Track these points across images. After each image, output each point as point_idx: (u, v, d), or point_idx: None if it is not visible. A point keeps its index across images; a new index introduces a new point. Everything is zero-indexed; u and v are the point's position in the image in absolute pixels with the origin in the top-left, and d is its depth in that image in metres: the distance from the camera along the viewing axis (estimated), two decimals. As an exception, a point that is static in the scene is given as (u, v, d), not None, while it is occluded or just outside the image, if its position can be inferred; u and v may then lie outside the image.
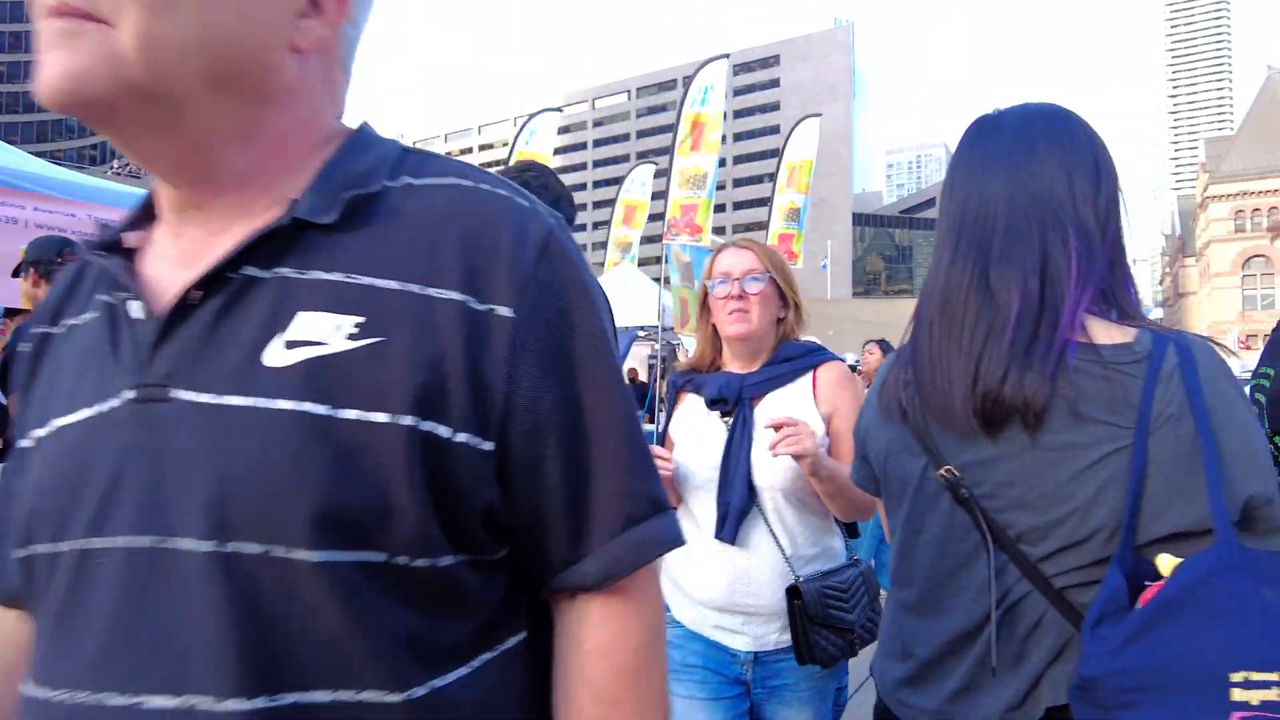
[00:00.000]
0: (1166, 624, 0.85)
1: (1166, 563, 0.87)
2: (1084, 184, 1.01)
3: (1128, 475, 0.90)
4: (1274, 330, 1.82)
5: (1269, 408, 1.70)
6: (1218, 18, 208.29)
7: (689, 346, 11.18)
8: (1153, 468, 0.90)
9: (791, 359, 1.90)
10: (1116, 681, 0.86)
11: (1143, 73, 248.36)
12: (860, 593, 1.78)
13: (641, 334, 11.00)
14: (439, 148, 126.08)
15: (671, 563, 1.84)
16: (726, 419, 1.86)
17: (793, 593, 1.71)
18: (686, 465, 1.87)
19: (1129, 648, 0.86)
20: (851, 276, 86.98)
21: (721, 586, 1.78)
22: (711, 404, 1.88)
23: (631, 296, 11.13)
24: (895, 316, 27.41)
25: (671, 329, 9.77)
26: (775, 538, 1.76)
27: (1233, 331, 72.05)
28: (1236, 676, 0.81)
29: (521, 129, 12.45)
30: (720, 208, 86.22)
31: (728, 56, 11.06)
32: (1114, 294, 1.02)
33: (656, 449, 1.78)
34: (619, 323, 9.50)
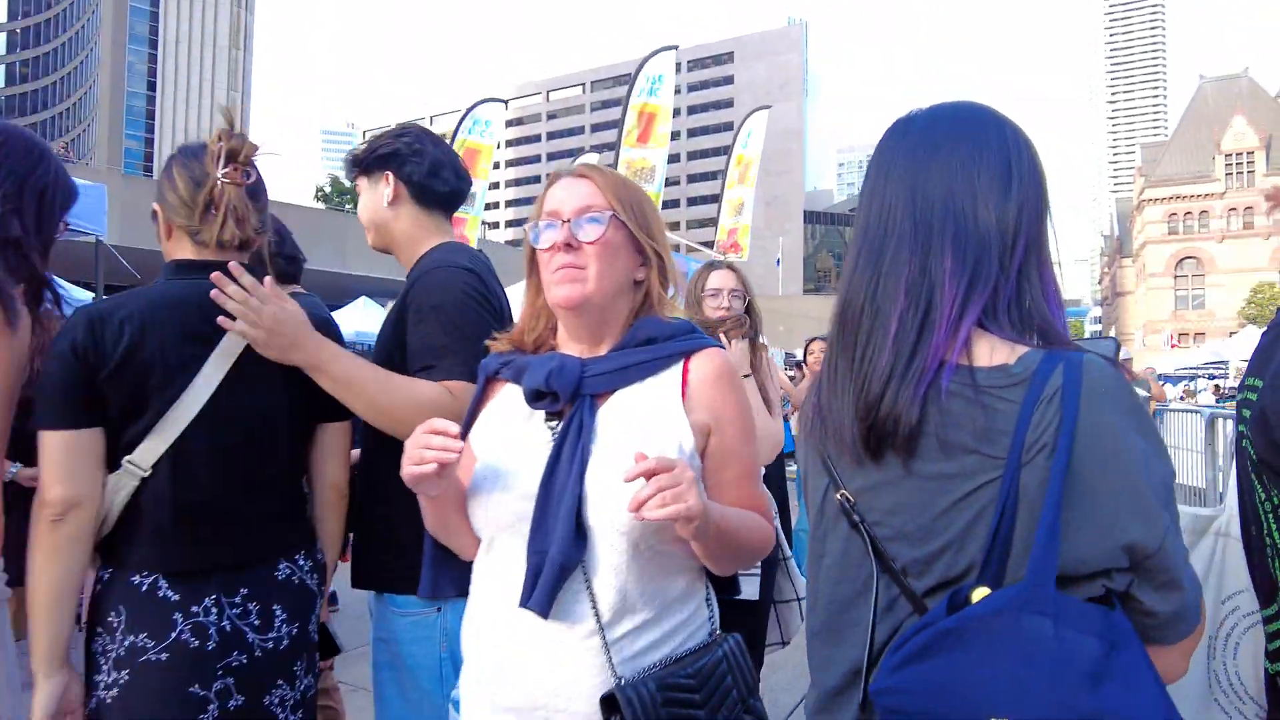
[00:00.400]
0: (941, 653, 0.82)
1: (978, 593, 0.83)
2: (989, 188, 0.94)
3: (995, 509, 0.83)
4: (1263, 334, 1.53)
5: (1251, 428, 1.40)
6: (1153, 28, 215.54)
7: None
8: (1024, 503, 0.83)
9: (654, 341, 1.33)
10: (890, 700, 0.85)
11: (1085, 78, 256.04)
12: (724, 686, 1.20)
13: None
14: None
15: (465, 635, 1.32)
16: (553, 423, 1.29)
17: (608, 704, 1.13)
18: (488, 490, 1.29)
19: (907, 669, 0.84)
20: (803, 273, 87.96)
21: (522, 680, 1.20)
22: (533, 399, 1.30)
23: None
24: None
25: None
26: (596, 608, 1.19)
27: (1166, 330, 74.79)
28: None
29: (463, 119, 12.24)
30: (674, 203, 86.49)
31: (676, 48, 10.96)
32: (1021, 307, 0.94)
33: (439, 422, 1.20)
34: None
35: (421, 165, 1.92)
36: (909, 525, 0.90)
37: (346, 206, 46.53)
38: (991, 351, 0.90)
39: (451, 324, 1.70)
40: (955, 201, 0.94)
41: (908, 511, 0.90)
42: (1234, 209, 76.69)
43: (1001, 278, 0.93)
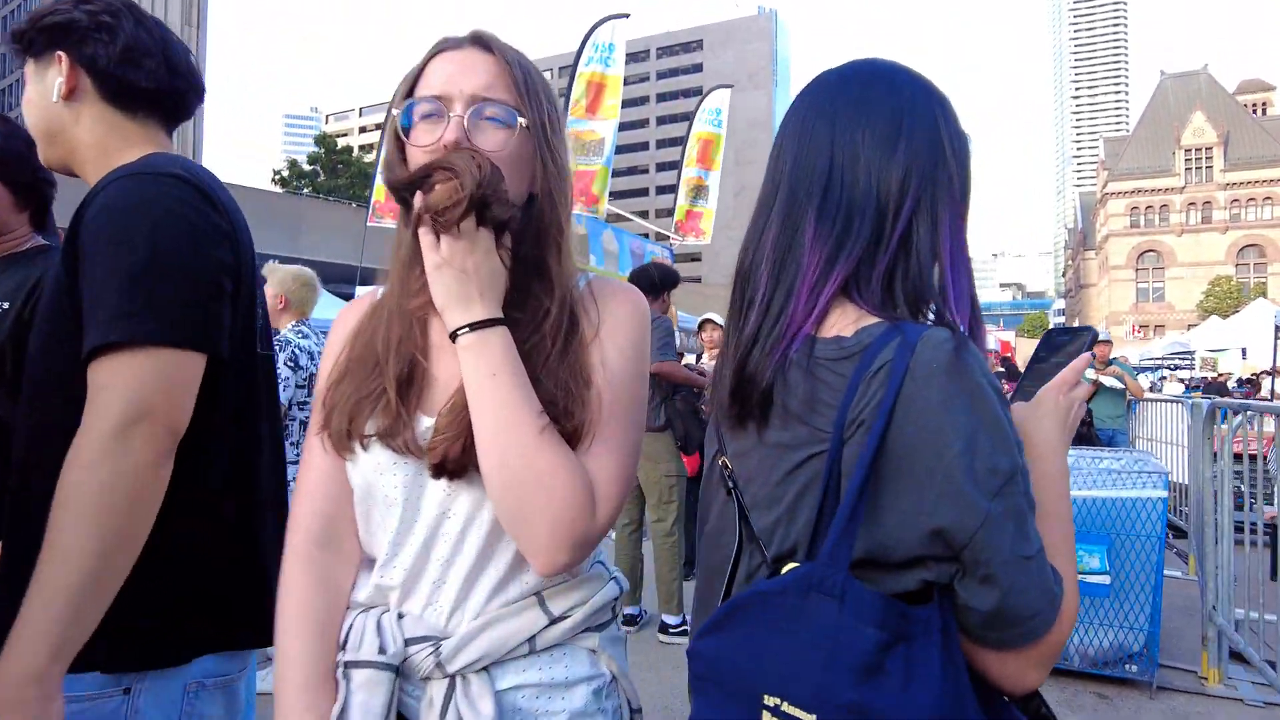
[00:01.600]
0: (729, 625, 0.83)
1: (787, 569, 0.83)
2: (871, 148, 0.89)
3: (820, 485, 0.82)
4: None
5: None
6: (1115, 24, 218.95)
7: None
8: (845, 481, 0.80)
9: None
10: (694, 665, 0.88)
11: (1051, 67, 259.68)
12: None
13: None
14: (353, 121, 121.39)
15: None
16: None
17: None
18: None
19: (708, 637, 0.85)
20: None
21: None
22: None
23: (522, 272, 10.23)
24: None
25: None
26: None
27: (1128, 321, 75.94)
28: (770, 700, 0.77)
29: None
30: (643, 191, 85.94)
31: (627, 16, 10.23)
32: (903, 277, 0.89)
33: None
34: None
35: (111, 46, 1.27)
36: (760, 493, 0.90)
37: (304, 190, 45.26)
38: (840, 323, 0.87)
39: (143, 266, 1.10)
40: (834, 165, 0.90)
41: (758, 479, 0.90)
42: (1193, 203, 78.06)
43: (877, 246, 0.89)
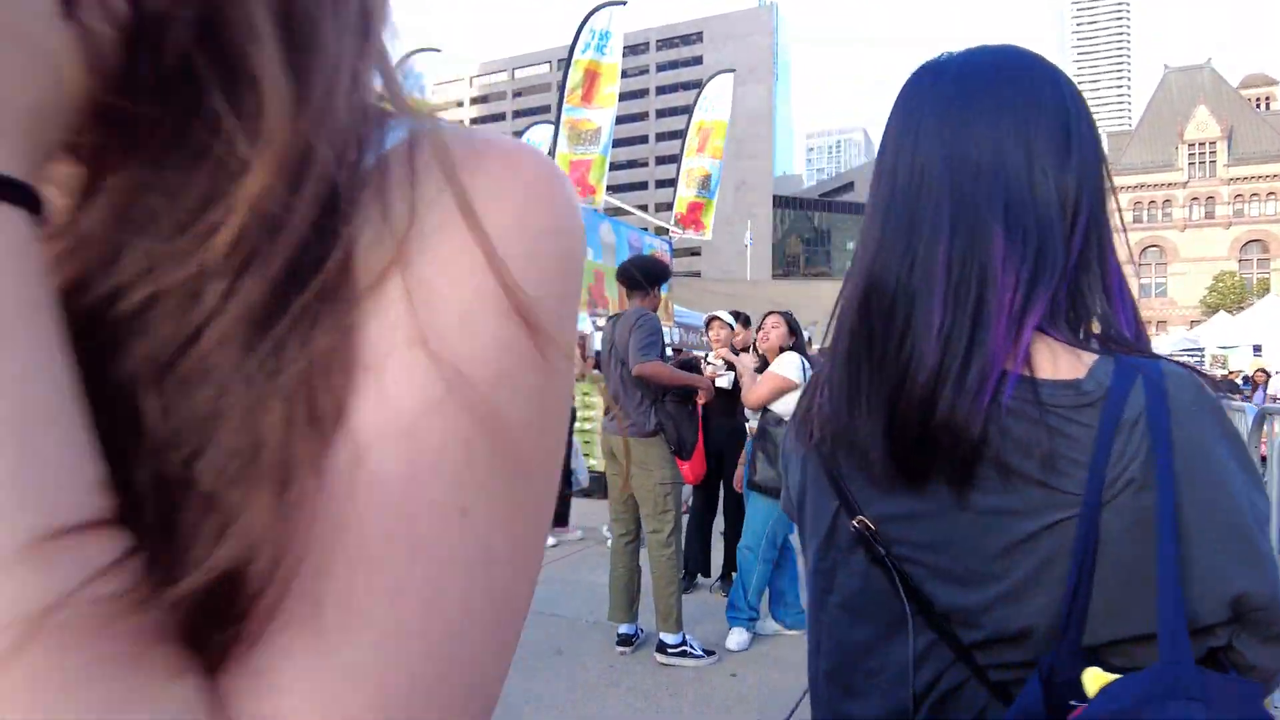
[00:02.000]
0: None
1: (1093, 679, 0.69)
2: (1046, 152, 0.79)
3: (1069, 557, 0.71)
4: None
5: None
6: (1118, 17, 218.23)
7: (579, 323, 10.02)
8: (1106, 550, 0.70)
9: None
10: None
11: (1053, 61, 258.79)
12: None
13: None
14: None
15: None
16: None
17: None
18: None
19: None
20: (772, 259, 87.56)
21: None
22: None
23: (517, 266, 9.91)
24: (811, 299, 27.17)
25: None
26: None
27: (1128, 317, 75.48)
28: None
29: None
30: (642, 185, 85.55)
31: (625, 3, 9.91)
32: (1084, 303, 0.79)
33: None
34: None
35: None
36: (955, 566, 0.76)
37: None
38: (1055, 361, 0.75)
39: None
40: (1008, 169, 0.78)
41: (954, 549, 0.76)
42: (1196, 198, 77.69)
43: (1069, 267, 0.78)
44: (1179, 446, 0.69)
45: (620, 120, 10.67)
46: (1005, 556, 0.73)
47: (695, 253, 75.48)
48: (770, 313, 4.56)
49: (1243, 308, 25.82)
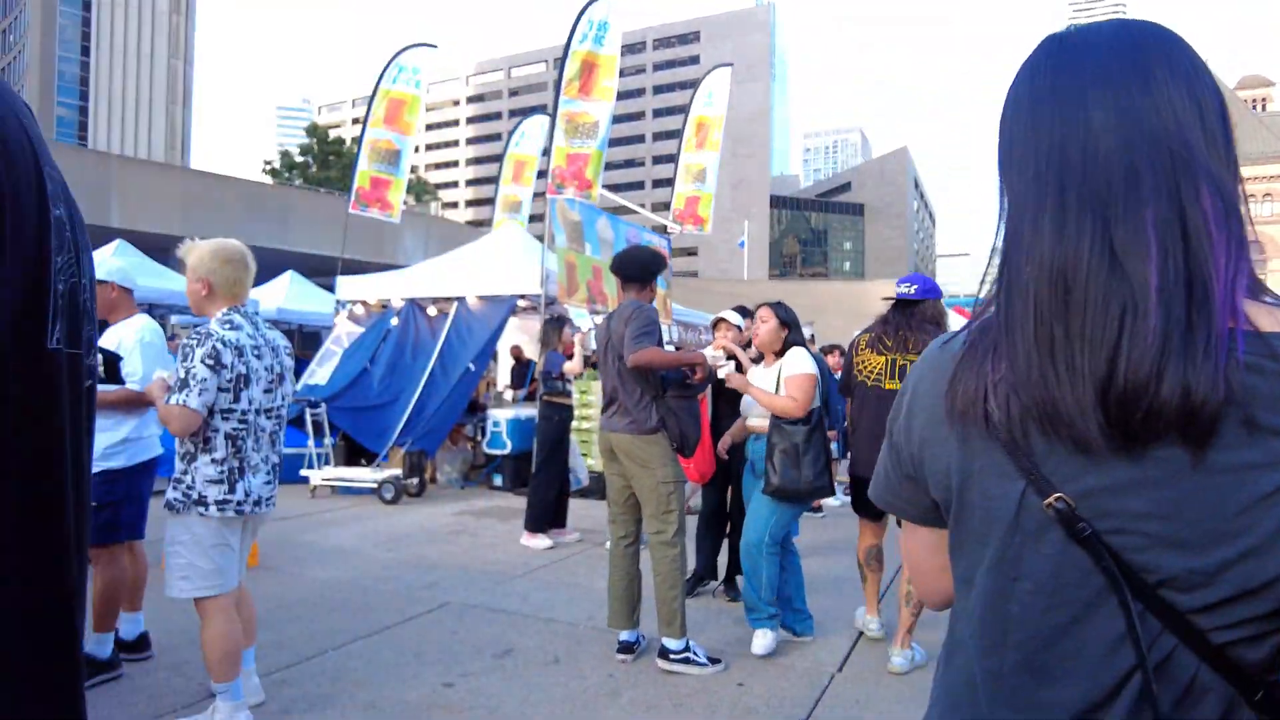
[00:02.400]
0: None
1: None
2: (1215, 125, 0.81)
3: None
4: None
5: None
6: (1116, 13, 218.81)
7: (578, 320, 9.89)
8: None
9: None
10: None
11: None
12: None
13: (522, 303, 9.61)
14: (346, 113, 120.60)
15: None
16: None
17: None
18: None
19: None
20: (768, 258, 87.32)
21: None
22: None
23: (513, 260, 9.75)
24: (808, 299, 26.98)
25: (555, 299, 8.46)
26: None
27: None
28: None
29: (386, 67, 10.95)
30: (639, 184, 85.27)
31: (624, -9, 9.72)
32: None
33: None
34: (495, 290, 7.62)
35: None
36: (1184, 530, 0.76)
37: (296, 181, 44.61)
38: (1271, 316, 0.78)
39: None
40: (1189, 139, 0.79)
41: (1186, 513, 0.76)
42: (1192, 198, 77.71)
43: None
44: None
45: (616, 119, 10.65)
46: (1247, 513, 0.73)
47: (692, 253, 75.29)
48: (761, 304, 4.39)
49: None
